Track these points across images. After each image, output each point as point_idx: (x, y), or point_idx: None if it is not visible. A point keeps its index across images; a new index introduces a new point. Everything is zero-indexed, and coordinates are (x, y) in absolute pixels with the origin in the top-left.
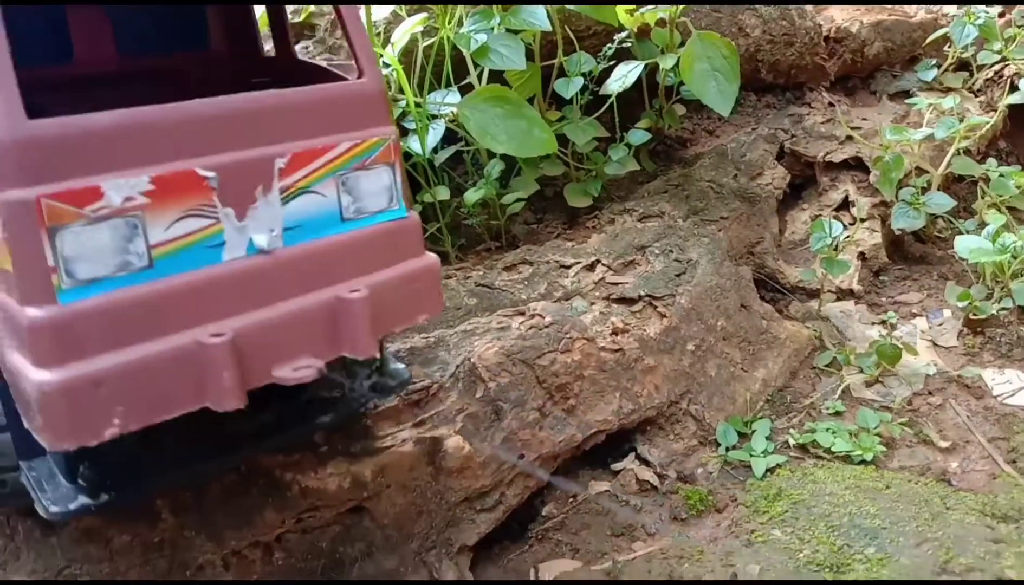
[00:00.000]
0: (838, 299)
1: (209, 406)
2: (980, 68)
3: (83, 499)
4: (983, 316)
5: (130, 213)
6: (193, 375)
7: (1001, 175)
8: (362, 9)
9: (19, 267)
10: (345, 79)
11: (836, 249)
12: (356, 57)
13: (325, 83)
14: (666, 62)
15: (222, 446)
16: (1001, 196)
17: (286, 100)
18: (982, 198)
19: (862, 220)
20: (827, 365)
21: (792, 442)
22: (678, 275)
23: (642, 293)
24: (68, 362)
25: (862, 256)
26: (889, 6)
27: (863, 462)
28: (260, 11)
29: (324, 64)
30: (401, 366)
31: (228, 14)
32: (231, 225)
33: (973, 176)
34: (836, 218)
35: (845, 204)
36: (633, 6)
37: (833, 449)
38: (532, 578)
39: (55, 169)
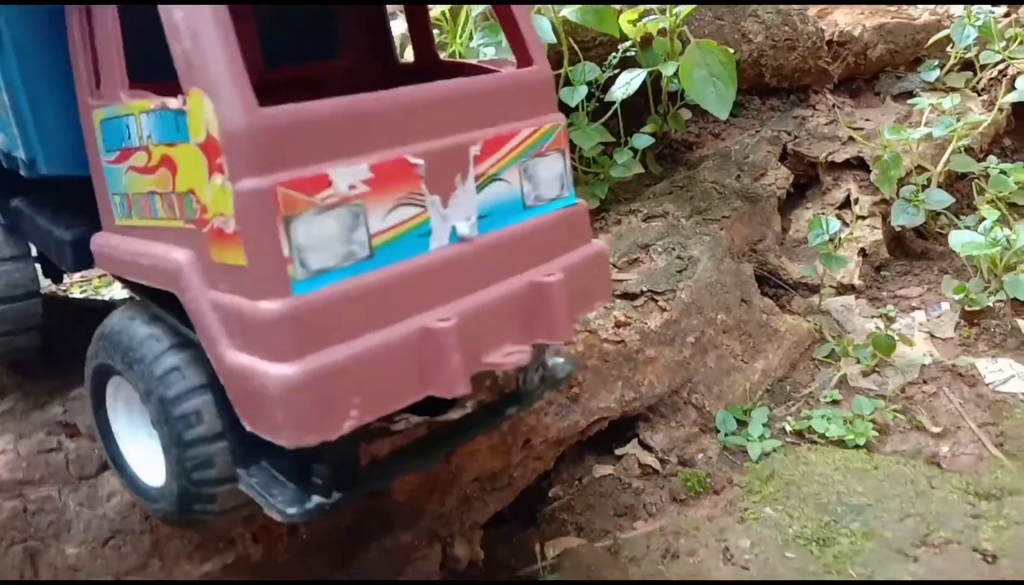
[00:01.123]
0: (839, 294)
1: (435, 393)
2: (983, 68)
3: (317, 499)
4: (978, 308)
5: (354, 201)
6: (420, 362)
7: (1001, 172)
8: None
9: (255, 259)
10: (495, 70)
11: (836, 245)
12: (526, 46)
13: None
14: (667, 69)
15: (428, 441)
16: (1000, 192)
17: (475, 87)
18: (979, 194)
19: (862, 218)
20: (826, 357)
21: (789, 428)
22: (679, 271)
23: (644, 288)
24: (307, 354)
25: (863, 252)
26: (893, 8)
27: (856, 446)
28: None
29: (474, 62)
30: (561, 360)
31: (366, 21)
32: (437, 213)
33: (973, 173)
34: (839, 216)
35: (848, 203)
36: (635, 16)
37: (827, 434)
38: (538, 554)
39: (288, 157)
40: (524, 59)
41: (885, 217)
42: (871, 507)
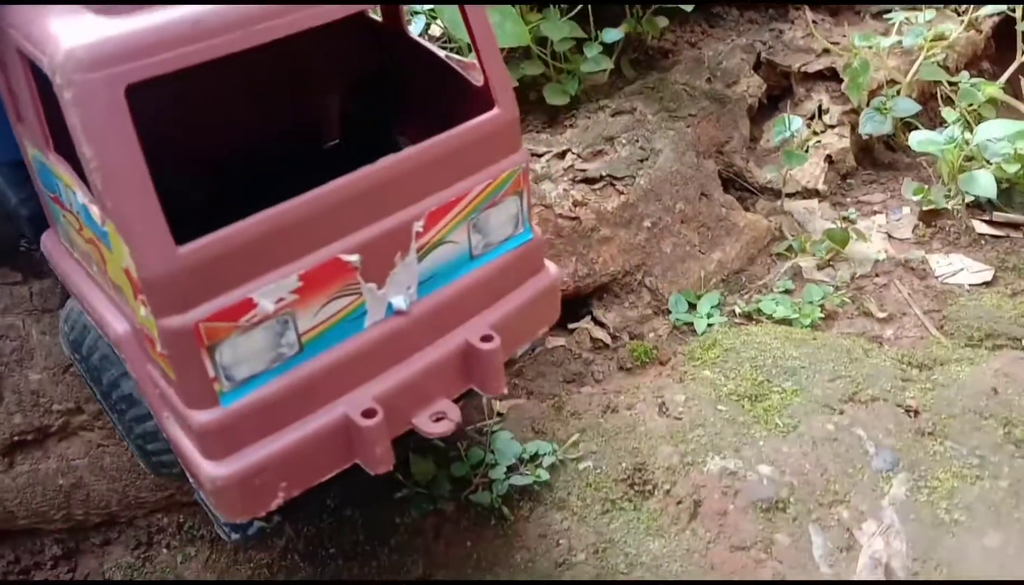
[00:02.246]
0: (804, 198)
1: (360, 464)
2: None
3: (258, 524)
4: (936, 208)
5: (282, 313)
6: (345, 441)
7: (972, 85)
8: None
9: (182, 380)
10: (460, 74)
11: (803, 147)
12: (491, 86)
13: (451, 126)
14: None
15: None
16: (971, 105)
17: (420, 157)
18: (944, 103)
19: (831, 126)
20: (783, 251)
21: (738, 311)
22: (641, 161)
23: (603, 174)
24: (233, 454)
25: (829, 159)
26: None
27: (801, 326)
28: None
29: (441, 54)
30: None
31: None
32: (372, 296)
33: (943, 85)
34: (809, 126)
35: (820, 114)
36: None
37: (775, 316)
38: (488, 411)
39: (208, 289)
40: (487, 100)
41: (854, 127)
42: (804, 369)
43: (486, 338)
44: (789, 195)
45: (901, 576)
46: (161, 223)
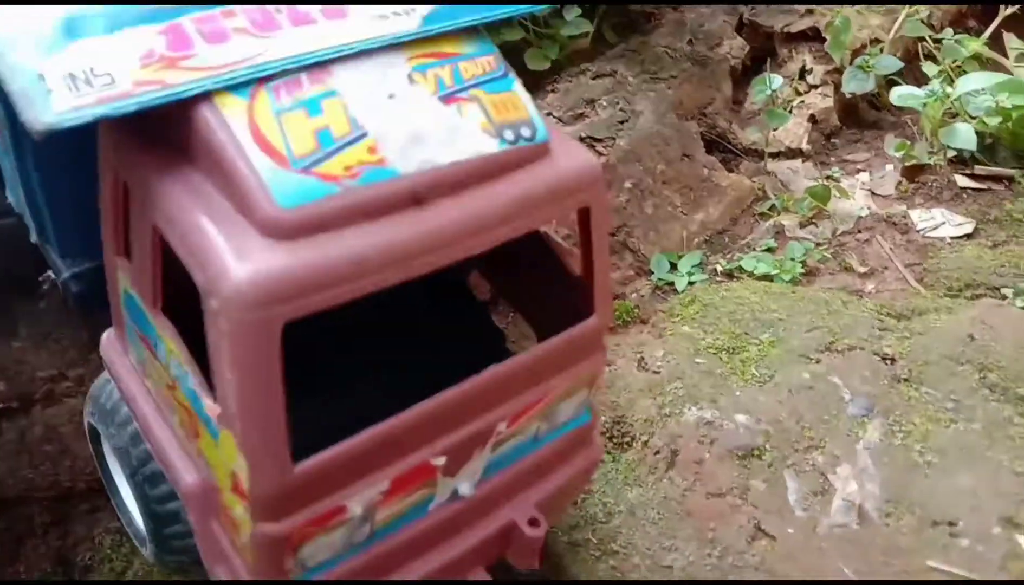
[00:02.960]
0: (788, 159)
1: None
2: None
3: None
4: (919, 164)
5: (366, 511)
6: None
7: (956, 41)
8: None
9: (259, 567)
10: (556, 253)
11: (786, 108)
12: (593, 288)
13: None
14: None
15: None
16: (954, 61)
17: (520, 365)
18: (927, 60)
19: (815, 86)
20: (766, 211)
21: (720, 269)
22: (621, 122)
23: (583, 135)
24: None
25: (813, 119)
26: None
27: (782, 281)
28: None
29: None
30: None
31: None
32: (444, 486)
33: (925, 39)
34: (794, 88)
35: (804, 75)
36: None
37: (755, 272)
38: None
39: (308, 499)
40: (578, 295)
41: (838, 86)
42: (782, 321)
43: (533, 523)
44: (773, 156)
45: (874, 517)
46: (285, 449)
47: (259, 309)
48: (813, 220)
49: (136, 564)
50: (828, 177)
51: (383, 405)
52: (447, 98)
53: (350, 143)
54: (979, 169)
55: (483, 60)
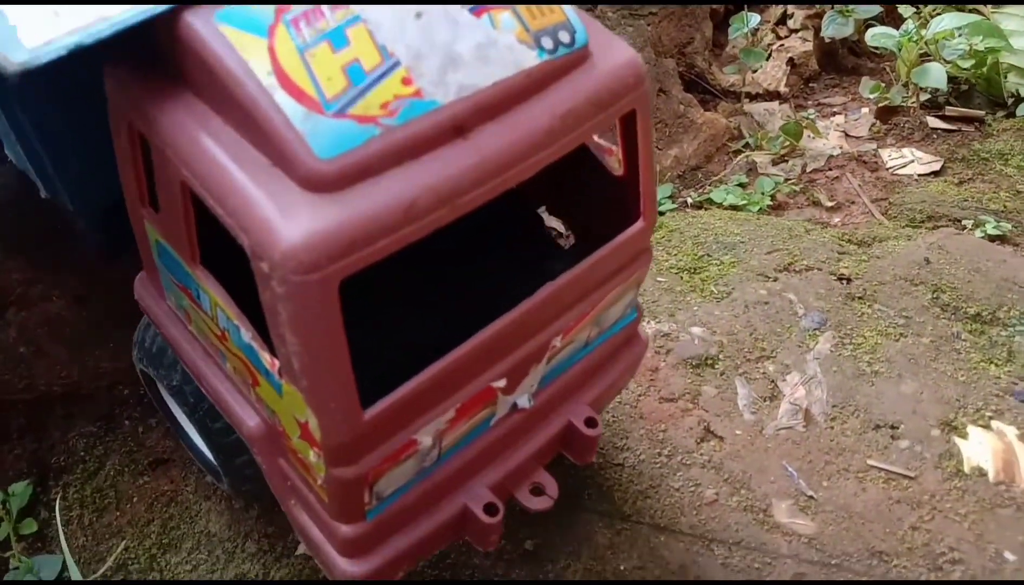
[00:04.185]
0: (766, 101)
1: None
2: None
3: None
4: (892, 105)
5: (434, 441)
6: (461, 523)
7: None
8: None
9: (336, 506)
10: (593, 153)
11: (766, 51)
12: (640, 193)
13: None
14: None
15: None
16: (934, 9)
17: (573, 280)
18: (903, 2)
19: (795, 30)
20: (740, 148)
21: (690, 201)
22: None
23: None
24: (370, 556)
25: (791, 62)
26: None
27: (748, 212)
28: None
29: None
30: None
31: None
32: (503, 403)
33: None
34: (774, 31)
35: (785, 19)
36: None
37: (724, 203)
38: None
39: (380, 439)
40: (621, 194)
41: (818, 31)
42: (744, 244)
43: (590, 422)
44: (751, 97)
45: (819, 420)
46: (354, 399)
47: (314, 271)
48: (785, 157)
49: (108, 466)
50: (804, 118)
51: (436, 322)
52: (478, 9)
53: (383, 76)
54: (950, 110)
55: None
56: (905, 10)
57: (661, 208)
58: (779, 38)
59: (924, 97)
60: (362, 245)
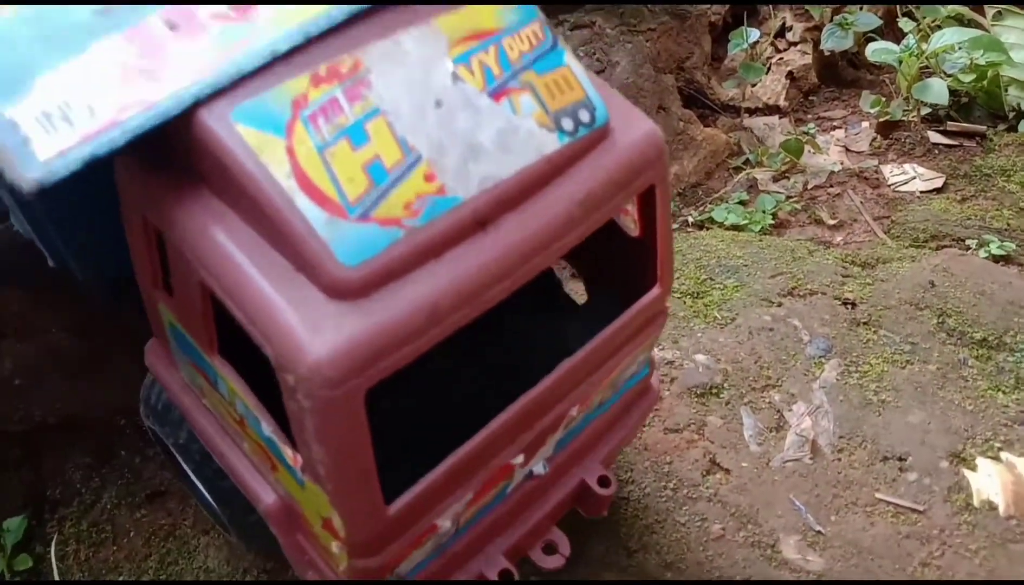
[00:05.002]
0: (765, 115)
1: None
2: None
3: None
4: (893, 120)
5: (453, 522)
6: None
7: None
8: None
9: None
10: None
11: (764, 65)
12: (657, 260)
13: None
14: None
15: None
16: (934, 20)
17: (591, 354)
18: (903, 15)
19: (794, 43)
20: (740, 164)
21: (691, 220)
22: (598, 73)
23: None
24: None
25: (791, 76)
26: None
27: (751, 232)
28: None
29: None
30: None
31: None
32: (520, 473)
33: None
34: (773, 45)
35: (783, 32)
36: None
37: (726, 223)
38: None
39: (402, 528)
40: (650, 274)
41: (817, 44)
42: (747, 267)
43: (603, 481)
44: (750, 112)
45: (826, 452)
46: (379, 498)
47: (341, 385)
48: (786, 174)
49: (104, 498)
50: (804, 133)
51: (452, 390)
52: (497, 92)
53: (405, 173)
54: (951, 125)
55: (528, 31)
56: (905, 24)
57: None
58: (778, 51)
59: (925, 111)
60: (388, 354)
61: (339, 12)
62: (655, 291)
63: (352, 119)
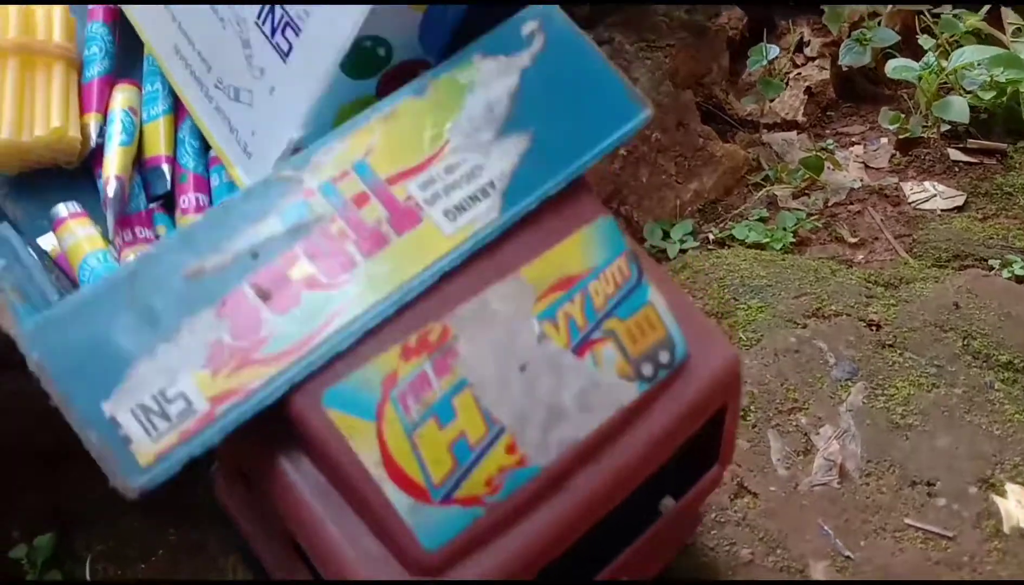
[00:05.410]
0: (783, 130)
1: None
2: None
3: None
4: (913, 137)
5: None
6: None
7: (954, 15)
8: None
9: None
10: None
11: (782, 80)
12: (723, 439)
13: None
14: None
15: None
16: (952, 36)
17: (654, 534)
18: (921, 31)
19: (812, 58)
20: (760, 181)
21: (712, 237)
22: None
23: None
24: None
25: (809, 91)
26: None
27: (772, 250)
28: None
29: None
30: None
31: None
32: None
33: (923, 13)
34: (792, 60)
35: (801, 47)
36: None
37: (747, 241)
38: None
39: None
40: (713, 457)
41: (835, 59)
42: (771, 287)
43: None
44: (769, 127)
45: (854, 476)
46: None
47: None
48: (806, 191)
49: (132, 516)
50: (822, 149)
51: None
52: (581, 347)
53: (488, 447)
54: (972, 143)
55: (614, 268)
56: (925, 41)
57: (684, 246)
58: (796, 66)
59: (944, 128)
60: None
61: (430, 275)
62: (715, 469)
63: (440, 395)
